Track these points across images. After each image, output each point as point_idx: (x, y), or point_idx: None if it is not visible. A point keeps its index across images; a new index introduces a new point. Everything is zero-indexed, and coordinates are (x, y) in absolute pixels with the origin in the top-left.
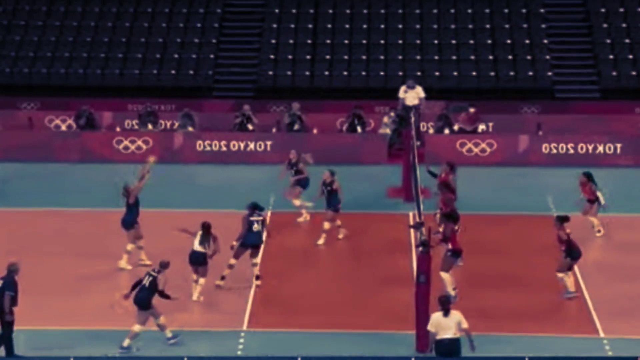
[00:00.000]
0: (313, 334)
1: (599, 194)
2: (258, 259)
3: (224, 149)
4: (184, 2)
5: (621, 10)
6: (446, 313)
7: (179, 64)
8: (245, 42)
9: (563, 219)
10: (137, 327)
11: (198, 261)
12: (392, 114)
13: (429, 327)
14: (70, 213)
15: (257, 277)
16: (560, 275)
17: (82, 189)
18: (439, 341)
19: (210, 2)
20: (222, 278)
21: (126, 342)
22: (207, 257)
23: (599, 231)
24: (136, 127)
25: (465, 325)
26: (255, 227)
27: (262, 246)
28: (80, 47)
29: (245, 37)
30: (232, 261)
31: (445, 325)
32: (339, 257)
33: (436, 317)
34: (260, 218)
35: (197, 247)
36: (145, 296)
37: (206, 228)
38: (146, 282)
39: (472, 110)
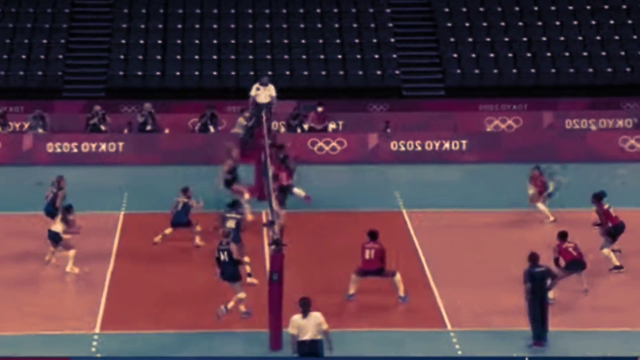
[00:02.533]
0: (166, 335)
1: (550, 184)
2: None
3: (75, 150)
4: (30, 2)
5: (464, 9)
6: (305, 315)
7: (27, 64)
8: (95, 43)
9: (563, 236)
10: (241, 295)
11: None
12: (247, 114)
13: (290, 330)
14: None
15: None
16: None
17: None
18: (300, 343)
19: (57, 2)
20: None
21: (243, 308)
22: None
23: (551, 219)
24: None
25: (324, 326)
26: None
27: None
28: None
29: (95, 38)
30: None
31: (305, 327)
32: (192, 258)
33: (295, 319)
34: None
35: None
36: (231, 269)
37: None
38: (225, 257)
39: (320, 109)
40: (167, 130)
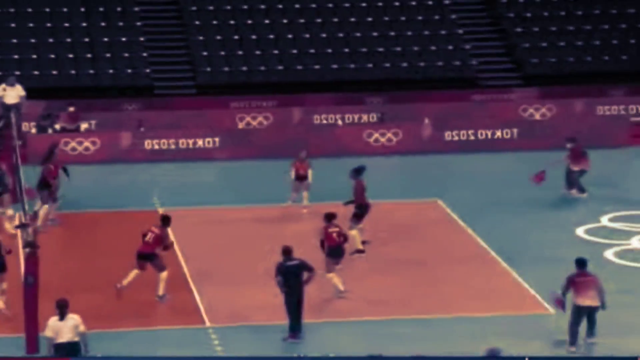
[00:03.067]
0: None
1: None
2: None
3: None
4: None
5: (211, 8)
6: (62, 317)
7: None
8: None
9: (329, 217)
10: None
11: None
12: None
13: (47, 333)
14: None
15: None
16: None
17: None
18: (57, 345)
19: None
20: None
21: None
22: None
23: None
24: None
25: (82, 328)
26: None
27: None
28: None
29: None
30: None
31: (62, 329)
32: None
33: (53, 321)
34: None
35: None
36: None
37: None
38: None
39: (71, 109)
40: None
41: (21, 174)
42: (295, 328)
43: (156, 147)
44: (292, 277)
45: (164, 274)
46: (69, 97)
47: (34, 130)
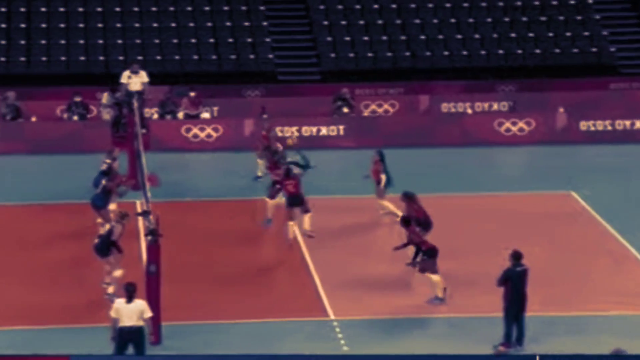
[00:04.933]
0: None
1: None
2: None
3: None
4: None
5: None
6: (129, 300)
7: None
8: None
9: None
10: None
11: None
12: (106, 95)
13: (112, 313)
14: None
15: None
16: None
17: None
18: (121, 328)
19: None
20: None
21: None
22: None
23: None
24: None
25: (148, 314)
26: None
27: None
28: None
29: None
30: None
31: (127, 313)
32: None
33: (119, 304)
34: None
35: None
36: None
37: None
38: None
39: (192, 94)
40: (34, 118)
41: (143, 161)
42: (511, 337)
43: (280, 134)
44: (519, 283)
45: None
46: (191, 82)
47: (155, 116)
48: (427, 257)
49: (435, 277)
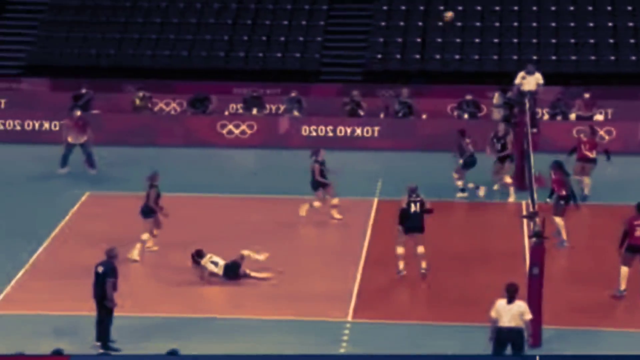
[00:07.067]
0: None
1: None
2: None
3: (330, 134)
4: None
5: None
6: (510, 301)
7: (286, 47)
8: (354, 25)
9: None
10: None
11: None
12: (497, 94)
13: (492, 313)
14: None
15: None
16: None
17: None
18: (498, 329)
19: None
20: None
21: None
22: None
23: None
24: (241, 111)
25: (528, 316)
26: (413, 208)
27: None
28: (185, 30)
29: (354, 20)
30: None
31: (506, 313)
32: None
33: (499, 304)
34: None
35: None
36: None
37: None
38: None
39: (586, 95)
40: (424, 116)
41: (531, 161)
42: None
43: None
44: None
45: None
46: (585, 83)
47: (546, 117)
48: (564, 202)
49: (561, 221)
